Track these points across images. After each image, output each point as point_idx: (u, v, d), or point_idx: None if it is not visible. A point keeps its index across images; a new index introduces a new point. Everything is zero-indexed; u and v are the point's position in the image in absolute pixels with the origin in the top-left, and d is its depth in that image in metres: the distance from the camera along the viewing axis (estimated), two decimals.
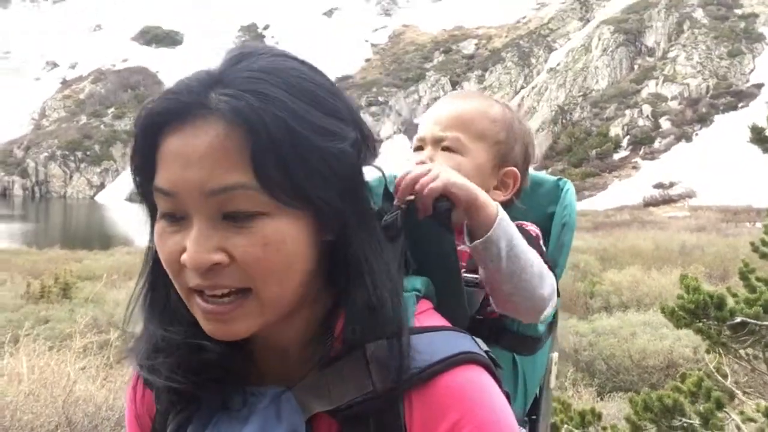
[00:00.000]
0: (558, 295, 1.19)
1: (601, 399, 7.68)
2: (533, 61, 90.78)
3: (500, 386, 0.83)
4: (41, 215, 71.48)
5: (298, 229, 0.80)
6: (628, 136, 71.69)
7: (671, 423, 2.45)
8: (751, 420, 2.72)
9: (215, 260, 0.77)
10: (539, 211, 1.33)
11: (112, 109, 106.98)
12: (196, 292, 0.81)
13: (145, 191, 0.84)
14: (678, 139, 69.18)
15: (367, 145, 0.86)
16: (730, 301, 2.68)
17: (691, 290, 2.73)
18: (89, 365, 5.57)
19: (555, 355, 1.30)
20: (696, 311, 2.66)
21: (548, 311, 1.04)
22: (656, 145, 69.96)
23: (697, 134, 68.89)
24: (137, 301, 0.91)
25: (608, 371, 9.05)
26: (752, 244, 5.26)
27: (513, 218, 1.12)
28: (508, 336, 1.15)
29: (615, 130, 72.33)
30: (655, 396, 2.49)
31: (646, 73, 77.58)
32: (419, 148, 1.30)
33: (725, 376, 4.37)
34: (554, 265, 1.22)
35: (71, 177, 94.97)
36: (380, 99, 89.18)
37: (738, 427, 2.70)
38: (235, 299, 0.79)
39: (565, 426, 3.03)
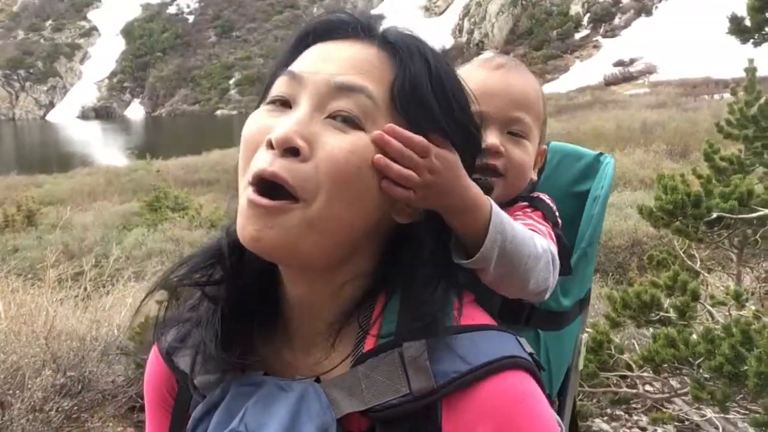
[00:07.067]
0: (570, 272, 1.12)
1: None
2: None
3: (543, 391, 0.79)
4: None
5: None
6: (588, 14, 70.53)
7: (648, 317, 2.55)
8: (722, 303, 2.84)
9: (299, 144, 0.75)
10: (563, 190, 1.24)
11: (50, 21, 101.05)
12: (253, 186, 0.77)
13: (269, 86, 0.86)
14: (638, 14, 68.34)
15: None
16: (706, 199, 2.70)
17: (669, 190, 2.74)
18: (67, 296, 5.53)
19: (585, 336, 1.25)
20: (674, 211, 2.69)
21: (548, 293, 0.97)
22: (616, 21, 69.11)
23: (657, 7, 68.06)
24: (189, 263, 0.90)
25: None
26: (717, 125, 5.32)
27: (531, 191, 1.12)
28: (536, 314, 1.08)
29: (575, 8, 71.03)
30: (633, 293, 2.56)
31: None
32: None
33: (691, 257, 4.54)
34: (581, 242, 1.17)
35: (17, 97, 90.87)
36: None
37: (710, 314, 2.82)
38: (280, 200, 0.76)
39: None
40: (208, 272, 0.89)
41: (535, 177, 1.19)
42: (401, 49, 0.81)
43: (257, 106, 0.86)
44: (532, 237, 0.95)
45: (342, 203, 0.76)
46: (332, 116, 0.78)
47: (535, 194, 1.15)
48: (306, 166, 0.75)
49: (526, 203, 1.13)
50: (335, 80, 0.78)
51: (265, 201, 0.75)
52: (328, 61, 0.80)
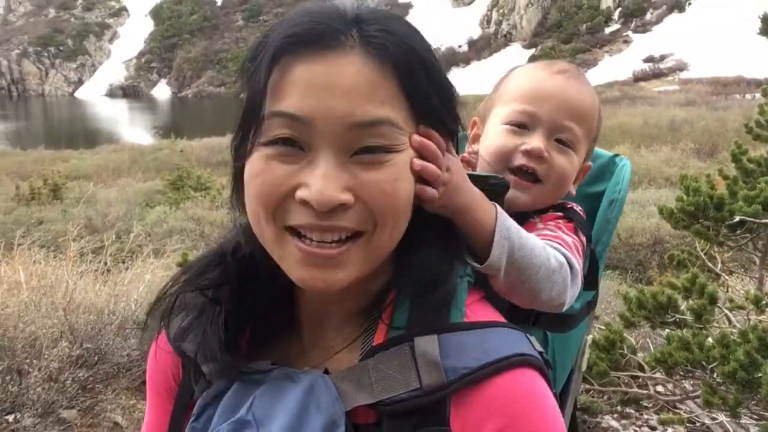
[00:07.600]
0: (597, 286, 1.11)
1: None
2: None
3: (551, 388, 0.79)
4: (21, 114, 69.83)
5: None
6: (619, 9, 69.45)
7: (664, 319, 2.50)
8: (741, 308, 2.78)
9: (343, 200, 0.73)
10: (576, 190, 1.18)
11: (81, 0, 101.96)
12: (293, 233, 0.75)
13: (250, 113, 0.77)
14: (670, 10, 67.13)
15: None
16: (730, 201, 2.64)
17: (692, 191, 2.68)
18: (87, 270, 5.61)
19: (589, 338, 1.22)
20: (695, 213, 2.63)
21: (564, 306, 0.95)
22: (648, 16, 67.96)
23: (690, 3, 66.75)
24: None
25: None
26: (746, 125, 5.21)
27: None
28: (544, 316, 1.05)
29: (606, 2, 69.93)
30: (649, 293, 2.51)
31: None
32: (522, 126, 1.09)
33: (712, 258, 4.46)
34: (596, 246, 1.14)
35: (47, 74, 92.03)
36: None
37: (728, 318, 2.77)
38: (343, 243, 0.75)
39: None
40: (209, 276, 0.89)
41: (573, 191, 1.15)
42: (397, 56, 0.75)
43: (247, 139, 0.78)
44: (545, 248, 0.93)
45: (397, 225, 0.77)
46: (361, 152, 0.74)
47: (569, 204, 1.12)
48: (358, 208, 0.74)
49: (560, 213, 1.10)
50: (354, 121, 0.73)
51: (333, 251, 0.74)
52: (332, 95, 0.72)
